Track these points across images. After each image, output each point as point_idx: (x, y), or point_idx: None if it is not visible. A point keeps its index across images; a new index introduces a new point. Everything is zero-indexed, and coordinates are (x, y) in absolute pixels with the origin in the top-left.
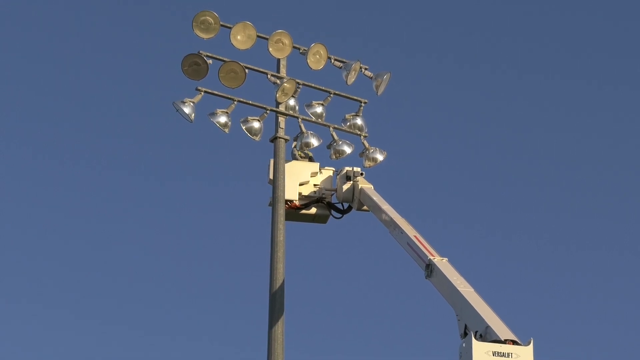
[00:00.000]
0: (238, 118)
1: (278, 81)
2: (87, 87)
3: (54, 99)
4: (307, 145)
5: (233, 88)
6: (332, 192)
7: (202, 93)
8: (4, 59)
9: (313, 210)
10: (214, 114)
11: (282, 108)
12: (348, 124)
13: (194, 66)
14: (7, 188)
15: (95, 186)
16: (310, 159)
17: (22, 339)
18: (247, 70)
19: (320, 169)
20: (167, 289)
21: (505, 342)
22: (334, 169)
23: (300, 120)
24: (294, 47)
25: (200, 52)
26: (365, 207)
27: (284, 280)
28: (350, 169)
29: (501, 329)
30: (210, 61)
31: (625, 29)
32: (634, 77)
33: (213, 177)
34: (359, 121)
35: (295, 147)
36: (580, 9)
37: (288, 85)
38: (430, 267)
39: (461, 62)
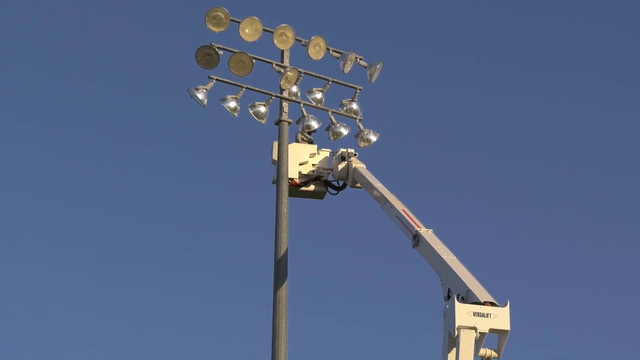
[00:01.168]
0: (246, 103)
1: (282, 70)
2: (113, 74)
3: (87, 82)
4: (308, 127)
5: (241, 76)
6: (329, 171)
7: (214, 81)
8: (32, 55)
9: (312, 187)
10: (224, 100)
11: (285, 94)
12: (345, 108)
13: (207, 57)
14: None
15: (118, 160)
16: (310, 141)
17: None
18: (254, 60)
19: (318, 150)
20: (183, 251)
21: (484, 303)
22: (330, 150)
23: (301, 105)
24: (296, 40)
25: (212, 44)
26: (358, 185)
27: (287, 249)
28: (345, 150)
29: (481, 292)
30: (221, 52)
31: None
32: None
33: (223, 156)
34: (354, 106)
35: (299, 131)
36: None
37: (291, 74)
38: (417, 238)
39: (446, 52)
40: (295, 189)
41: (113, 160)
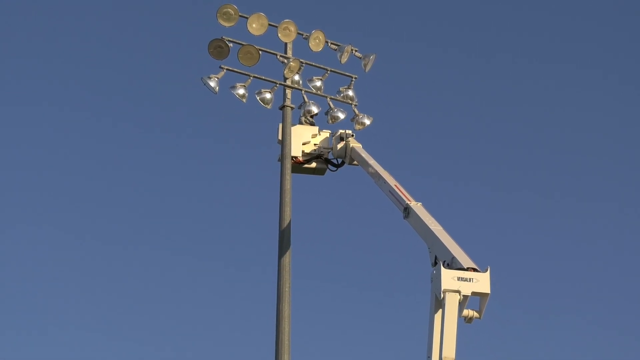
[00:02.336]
0: (253, 90)
1: (285, 61)
2: (135, 64)
3: (115, 70)
4: (309, 112)
5: (249, 66)
6: (329, 150)
7: (225, 70)
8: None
9: (313, 164)
10: (234, 87)
11: (288, 82)
12: (342, 95)
13: (218, 49)
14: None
15: (137, 140)
16: (312, 124)
17: None
18: (260, 52)
19: (319, 131)
20: (197, 221)
21: (467, 269)
22: (330, 131)
23: (303, 92)
24: (298, 33)
25: (223, 37)
26: (355, 162)
27: (290, 221)
28: (343, 131)
29: (464, 259)
30: (230, 44)
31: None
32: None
33: (233, 137)
34: (350, 93)
35: (302, 115)
36: None
37: (293, 64)
38: (407, 210)
39: (434, 45)
40: (298, 166)
41: (132, 140)
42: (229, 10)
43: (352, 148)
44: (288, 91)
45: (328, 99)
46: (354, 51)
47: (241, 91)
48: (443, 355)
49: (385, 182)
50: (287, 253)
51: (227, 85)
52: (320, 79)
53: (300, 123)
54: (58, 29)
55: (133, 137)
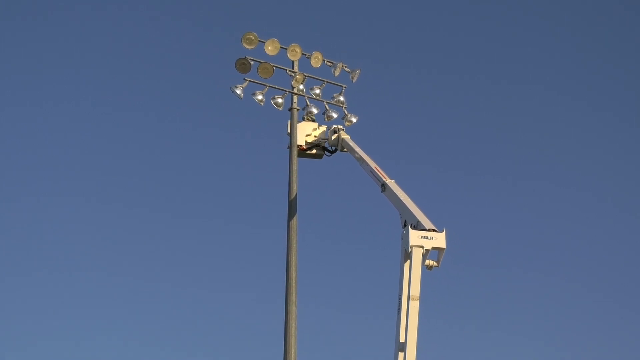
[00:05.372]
0: (269, 96)
1: (293, 74)
2: (184, 78)
3: (166, 79)
4: (310, 112)
5: (266, 78)
6: (325, 140)
7: (247, 81)
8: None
9: (314, 151)
10: (254, 94)
11: (295, 90)
12: (335, 99)
13: (242, 65)
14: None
15: (178, 134)
16: (312, 121)
17: None
18: (274, 68)
19: (318, 126)
20: (222, 194)
21: (428, 230)
22: (326, 126)
23: (306, 97)
24: (303, 54)
25: (246, 57)
26: (345, 149)
27: (296, 193)
28: (337, 126)
29: (426, 222)
30: (252, 62)
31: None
32: None
33: (253, 131)
34: (341, 98)
35: (305, 114)
36: None
37: (299, 77)
38: (384, 186)
39: (403, 65)
40: (303, 152)
41: (183, 134)
42: (251, 36)
43: (343, 139)
44: (295, 97)
45: (325, 102)
46: (344, 67)
47: (260, 97)
48: (410, 294)
49: (367, 164)
50: (294, 217)
51: (249, 92)
52: (319, 88)
53: (304, 120)
54: (117, 47)
55: (184, 132)
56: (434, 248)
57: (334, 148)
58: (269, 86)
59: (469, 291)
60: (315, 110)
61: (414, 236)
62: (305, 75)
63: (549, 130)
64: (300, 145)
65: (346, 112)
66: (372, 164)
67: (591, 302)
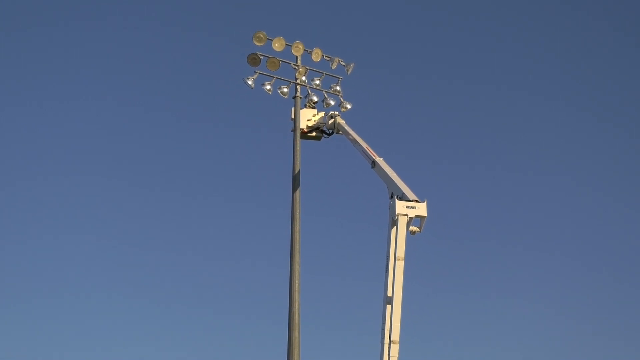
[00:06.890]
0: (276, 86)
1: (296, 67)
2: (201, 72)
3: (183, 77)
4: (312, 100)
5: (273, 71)
6: (324, 124)
7: (258, 74)
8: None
9: (314, 133)
10: (263, 84)
11: (298, 81)
12: (332, 89)
13: (253, 60)
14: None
15: (199, 119)
16: (313, 107)
17: None
18: (280, 62)
19: (317, 112)
20: (233, 169)
21: (412, 200)
22: (324, 112)
23: (308, 87)
24: (305, 50)
25: (257, 52)
26: (340, 132)
27: (299, 169)
28: (334, 112)
29: (410, 194)
30: (261, 57)
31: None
32: None
33: (263, 116)
34: (338, 88)
35: (307, 102)
36: None
37: (302, 70)
38: (373, 163)
39: (392, 58)
40: (304, 134)
41: (201, 119)
42: (260, 35)
43: (339, 123)
44: (298, 87)
45: (324, 92)
46: (340, 61)
47: (268, 87)
48: (397, 255)
49: (359, 144)
50: (298, 190)
51: (259, 83)
52: (319, 79)
53: (305, 107)
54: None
55: (203, 122)
56: (416, 216)
57: (331, 131)
58: (276, 77)
59: (447, 254)
60: (315, 98)
61: (400, 206)
62: (307, 68)
63: (529, 105)
64: (302, 129)
65: (342, 100)
66: (364, 144)
67: (570, 269)
